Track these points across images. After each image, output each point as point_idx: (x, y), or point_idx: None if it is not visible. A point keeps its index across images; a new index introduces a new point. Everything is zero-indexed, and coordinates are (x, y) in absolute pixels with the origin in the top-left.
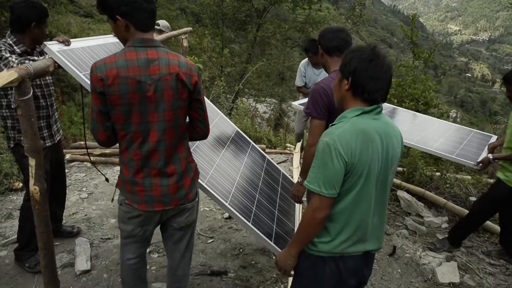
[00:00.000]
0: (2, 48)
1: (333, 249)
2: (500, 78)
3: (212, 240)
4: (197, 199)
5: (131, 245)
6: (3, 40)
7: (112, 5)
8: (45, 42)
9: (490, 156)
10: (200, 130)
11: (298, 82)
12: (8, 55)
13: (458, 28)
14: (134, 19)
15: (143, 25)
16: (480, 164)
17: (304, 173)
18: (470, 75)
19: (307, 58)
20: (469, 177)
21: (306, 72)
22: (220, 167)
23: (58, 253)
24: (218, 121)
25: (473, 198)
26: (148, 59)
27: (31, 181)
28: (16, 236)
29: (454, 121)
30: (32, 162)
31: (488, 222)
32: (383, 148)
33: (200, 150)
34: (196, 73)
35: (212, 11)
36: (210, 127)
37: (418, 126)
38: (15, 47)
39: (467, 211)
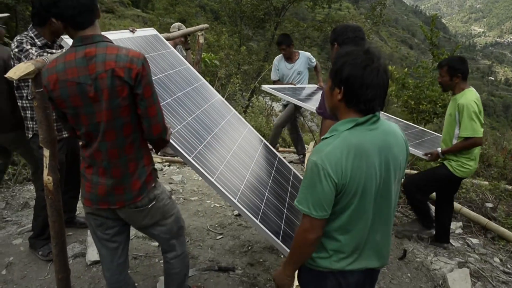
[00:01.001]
0: (24, 41)
1: (332, 266)
2: None
3: (221, 236)
4: (152, 205)
5: (103, 262)
6: (25, 33)
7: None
8: (62, 36)
9: (439, 149)
10: (144, 128)
11: (273, 76)
12: (28, 47)
13: (482, 30)
14: (66, 19)
15: (77, 23)
16: (429, 155)
17: None
18: (493, 78)
19: (281, 54)
20: (487, 182)
21: (279, 66)
22: (230, 163)
23: (70, 242)
24: (231, 118)
25: (489, 205)
26: (86, 58)
27: (45, 172)
28: (31, 224)
29: None
30: (46, 152)
31: (504, 230)
32: (381, 161)
33: (211, 146)
34: (140, 65)
35: (231, 8)
36: (219, 125)
37: None
38: (36, 40)
39: (483, 217)
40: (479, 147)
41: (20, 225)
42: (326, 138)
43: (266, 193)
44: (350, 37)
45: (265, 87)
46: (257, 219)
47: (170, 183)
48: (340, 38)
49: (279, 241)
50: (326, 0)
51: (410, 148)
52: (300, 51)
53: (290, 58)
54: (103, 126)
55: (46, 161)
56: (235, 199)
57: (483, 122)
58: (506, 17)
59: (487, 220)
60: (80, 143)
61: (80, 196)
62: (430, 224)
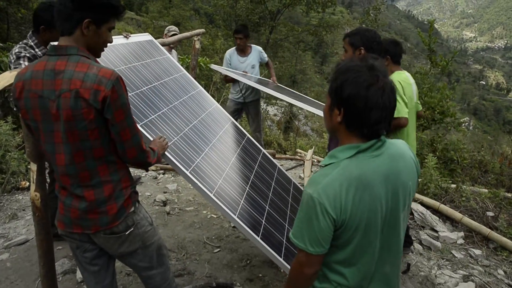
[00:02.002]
0: (22, 55)
1: None
2: None
3: (218, 249)
4: (130, 232)
5: (87, 285)
6: (25, 41)
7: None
8: (51, 43)
9: None
10: (119, 152)
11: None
12: (26, 62)
13: (474, 35)
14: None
15: (58, 28)
16: None
17: None
18: (484, 82)
19: (234, 47)
20: (486, 190)
21: (231, 60)
22: (229, 176)
23: (59, 258)
24: (229, 127)
25: (490, 213)
26: (54, 71)
27: (32, 187)
28: (19, 238)
29: (466, 129)
30: (33, 167)
31: (507, 241)
32: (387, 190)
33: (209, 158)
34: (109, 87)
35: (226, 12)
36: (219, 134)
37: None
38: (36, 49)
39: (485, 227)
40: (405, 129)
41: (6, 238)
42: (325, 166)
43: (267, 207)
44: (378, 42)
45: (215, 66)
46: (258, 236)
47: (165, 192)
48: (368, 43)
49: (281, 259)
50: (321, 4)
51: None
52: (252, 45)
53: (243, 51)
54: (69, 148)
55: (32, 176)
56: (235, 214)
57: (407, 104)
58: (497, 23)
59: (489, 230)
60: None
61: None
62: (408, 244)
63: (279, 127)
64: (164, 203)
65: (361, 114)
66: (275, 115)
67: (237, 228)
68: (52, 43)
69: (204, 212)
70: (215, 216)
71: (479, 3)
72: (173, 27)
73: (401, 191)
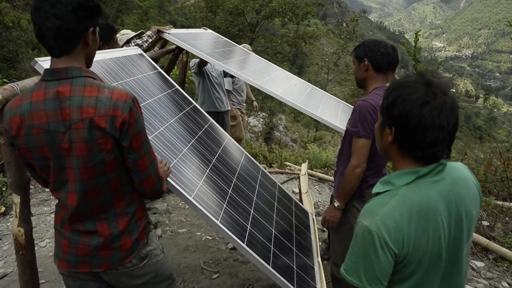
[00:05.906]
0: None
1: None
2: (483, 93)
3: (217, 275)
4: (144, 264)
5: None
6: None
7: None
8: (36, 59)
9: None
10: (135, 182)
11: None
12: None
13: (442, 44)
14: (42, 42)
15: (50, 49)
16: None
17: (343, 197)
18: (454, 90)
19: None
20: None
21: (213, 67)
22: (233, 199)
23: None
24: (226, 144)
25: (485, 223)
26: (58, 99)
27: (15, 222)
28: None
29: None
30: (16, 199)
31: (507, 251)
32: (450, 220)
33: (211, 180)
34: (126, 111)
35: (205, 24)
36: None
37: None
38: None
39: (483, 238)
40: None
41: None
42: (379, 193)
43: (273, 231)
44: (383, 52)
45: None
46: (269, 265)
47: (155, 214)
48: (372, 54)
49: None
50: (300, 16)
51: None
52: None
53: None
54: (82, 185)
55: (15, 209)
56: (243, 242)
57: None
58: (463, 33)
59: (488, 240)
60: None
61: (53, 255)
62: None
63: (261, 138)
64: (155, 226)
65: (414, 135)
66: (254, 126)
67: (234, 250)
68: (50, 67)
69: (198, 233)
70: (210, 238)
71: (446, 14)
72: None
73: (465, 220)
